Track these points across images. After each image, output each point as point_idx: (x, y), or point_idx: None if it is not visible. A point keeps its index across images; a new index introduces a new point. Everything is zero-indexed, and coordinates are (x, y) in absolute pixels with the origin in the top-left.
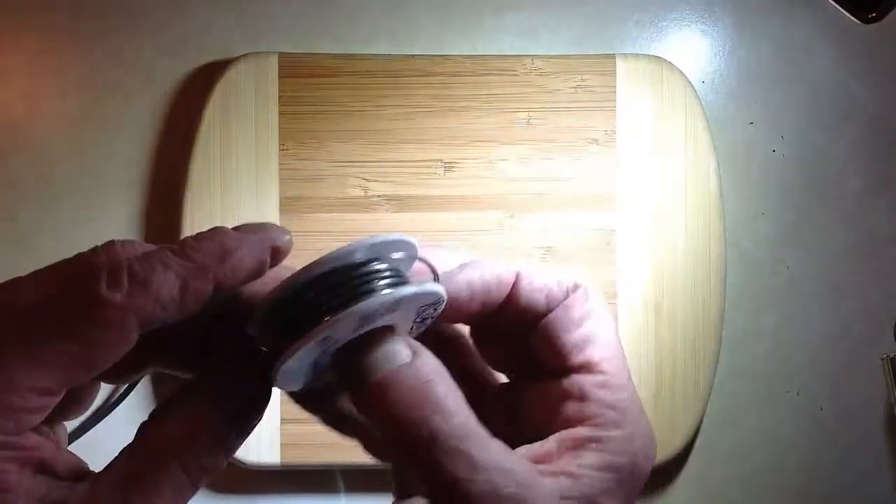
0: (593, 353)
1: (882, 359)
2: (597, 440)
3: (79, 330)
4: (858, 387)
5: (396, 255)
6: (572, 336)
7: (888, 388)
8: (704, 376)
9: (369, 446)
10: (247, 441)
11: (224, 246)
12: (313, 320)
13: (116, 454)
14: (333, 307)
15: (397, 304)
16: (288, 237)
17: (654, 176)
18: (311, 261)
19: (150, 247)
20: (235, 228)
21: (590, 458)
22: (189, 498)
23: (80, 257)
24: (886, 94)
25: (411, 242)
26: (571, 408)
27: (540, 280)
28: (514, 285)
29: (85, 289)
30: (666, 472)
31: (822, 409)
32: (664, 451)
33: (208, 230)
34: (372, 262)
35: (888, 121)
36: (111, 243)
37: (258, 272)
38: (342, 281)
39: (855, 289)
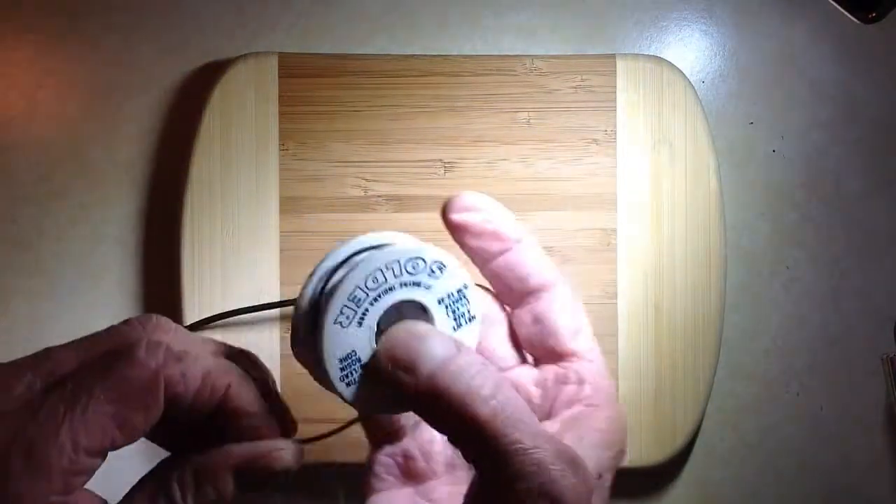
0: (582, 342)
1: (882, 359)
2: (595, 421)
3: (121, 392)
4: (858, 387)
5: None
6: (565, 324)
7: (888, 388)
8: (704, 376)
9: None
10: None
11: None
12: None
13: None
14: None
15: (380, 257)
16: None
17: (654, 176)
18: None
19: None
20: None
21: (592, 437)
22: None
23: (116, 328)
24: (886, 94)
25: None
26: (570, 391)
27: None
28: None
29: (128, 355)
30: (666, 472)
31: (822, 409)
32: (664, 451)
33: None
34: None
35: (888, 121)
36: (148, 316)
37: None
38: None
39: (855, 289)
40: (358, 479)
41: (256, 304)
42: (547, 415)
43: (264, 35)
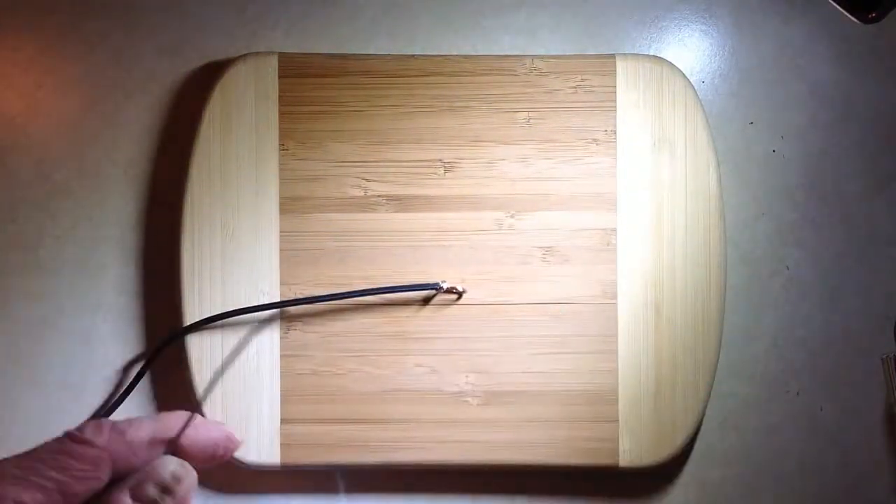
0: None
1: (882, 359)
2: None
3: (64, 463)
4: (858, 387)
5: None
6: None
7: (888, 388)
8: (704, 377)
9: None
10: (247, 441)
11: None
12: None
13: None
14: None
15: None
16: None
17: (654, 176)
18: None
19: None
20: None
21: None
22: None
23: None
24: (886, 94)
25: None
26: None
27: None
28: None
29: (72, 435)
30: (666, 472)
31: (822, 409)
32: (664, 451)
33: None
34: None
35: (888, 121)
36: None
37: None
38: None
39: (855, 289)
40: (358, 479)
41: (256, 304)
42: None
43: (264, 35)
